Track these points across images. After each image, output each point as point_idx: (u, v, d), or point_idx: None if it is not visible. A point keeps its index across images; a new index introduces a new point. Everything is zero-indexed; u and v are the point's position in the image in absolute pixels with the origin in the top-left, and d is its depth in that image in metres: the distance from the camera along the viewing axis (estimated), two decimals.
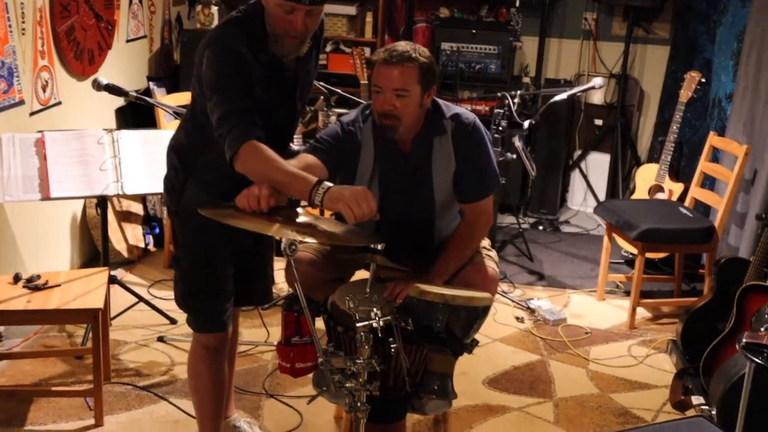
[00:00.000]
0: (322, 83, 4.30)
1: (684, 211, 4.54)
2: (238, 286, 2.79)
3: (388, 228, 2.71)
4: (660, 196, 5.00)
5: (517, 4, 5.92)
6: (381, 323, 2.26)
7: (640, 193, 5.12)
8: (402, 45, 2.71)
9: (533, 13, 6.11)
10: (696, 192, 4.65)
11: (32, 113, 4.01)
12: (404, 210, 2.85)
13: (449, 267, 2.78)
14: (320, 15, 2.56)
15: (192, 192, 2.67)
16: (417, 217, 2.88)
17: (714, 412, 3.16)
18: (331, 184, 2.37)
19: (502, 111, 4.77)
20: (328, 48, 6.18)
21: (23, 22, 3.87)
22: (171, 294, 4.27)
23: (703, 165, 4.62)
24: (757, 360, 2.67)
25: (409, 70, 2.66)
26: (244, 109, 2.44)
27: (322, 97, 4.45)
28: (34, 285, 3.29)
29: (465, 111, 2.87)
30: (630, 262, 5.11)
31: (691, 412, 3.45)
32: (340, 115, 3.42)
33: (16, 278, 3.33)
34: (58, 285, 3.32)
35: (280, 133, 2.66)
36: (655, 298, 4.74)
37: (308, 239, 2.28)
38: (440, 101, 2.85)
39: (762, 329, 2.80)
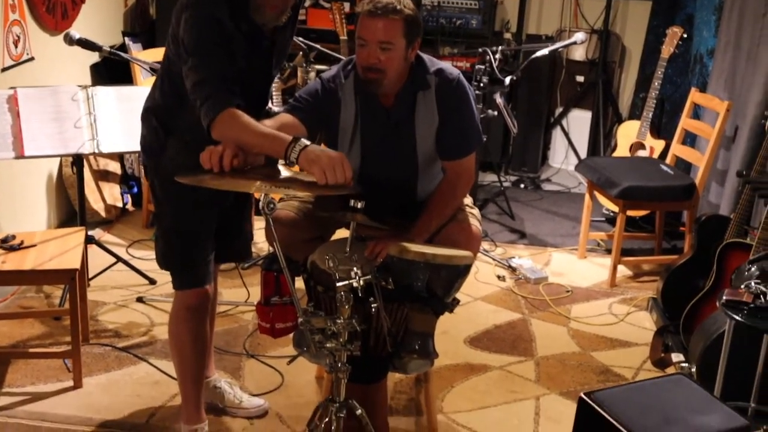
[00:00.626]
0: (301, 39, 4.22)
1: (665, 168, 4.53)
2: (217, 242, 2.77)
3: (370, 185, 2.67)
4: (641, 153, 4.98)
5: None
6: (361, 282, 2.24)
7: (622, 150, 5.10)
8: None
9: None
10: (677, 149, 4.64)
11: (4, 69, 3.92)
12: (386, 167, 2.82)
13: (430, 225, 2.76)
14: None
15: (173, 151, 2.63)
16: (399, 174, 2.85)
17: (693, 370, 3.19)
18: (308, 142, 2.34)
19: (483, 67, 4.73)
20: (307, 3, 6.07)
21: None
22: (150, 254, 4.26)
23: (685, 122, 4.60)
24: (737, 317, 2.68)
25: (393, 23, 2.62)
26: (221, 77, 2.41)
27: (301, 53, 4.37)
28: (9, 245, 3.24)
29: (449, 66, 2.82)
30: (611, 220, 5.11)
31: (671, 370, 3.47)
32: (319, 71, 3.36)
33: None
34: (34, 245, 3.27)
35: (255, 99, 2.63)
36: (636, 255, 4.75)
37: (291, 192, 2.26)
38: (424, 56, 2.81)
39: (742, 286, 2.80)
